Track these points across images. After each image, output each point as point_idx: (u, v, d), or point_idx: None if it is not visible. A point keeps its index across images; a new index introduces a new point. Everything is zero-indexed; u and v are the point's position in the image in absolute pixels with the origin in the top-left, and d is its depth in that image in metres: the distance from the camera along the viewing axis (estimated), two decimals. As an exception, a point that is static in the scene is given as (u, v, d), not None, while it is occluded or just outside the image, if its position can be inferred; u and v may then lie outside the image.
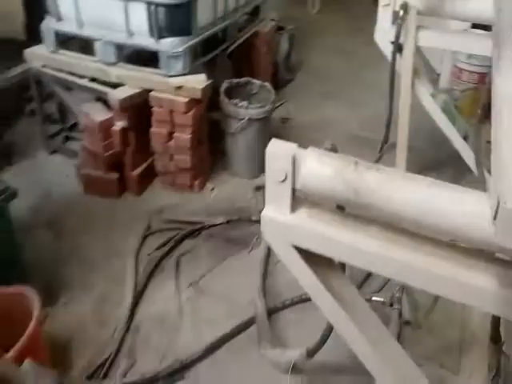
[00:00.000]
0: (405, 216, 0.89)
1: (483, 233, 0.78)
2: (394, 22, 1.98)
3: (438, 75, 3.42)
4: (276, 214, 1.03)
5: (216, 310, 1.80)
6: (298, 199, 1.00)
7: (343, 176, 0.92)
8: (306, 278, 1.01)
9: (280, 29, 3.17)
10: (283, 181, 0.93)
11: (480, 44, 1.99)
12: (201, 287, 1.90)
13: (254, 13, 2.84)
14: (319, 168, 0.93)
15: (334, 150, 0.95)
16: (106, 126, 2.09)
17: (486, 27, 2.16)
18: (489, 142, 2.40)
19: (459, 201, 0.83)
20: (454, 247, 0.91)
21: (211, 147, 2.44)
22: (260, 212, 2.27)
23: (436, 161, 2.61)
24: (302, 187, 0.94)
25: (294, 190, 0.95)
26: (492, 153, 0.80)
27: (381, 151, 2.59)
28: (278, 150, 0.95)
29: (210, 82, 2.12)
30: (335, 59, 3.79)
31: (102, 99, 2.16)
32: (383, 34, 2.05)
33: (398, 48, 2.04)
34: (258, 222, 2.27)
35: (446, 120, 2.28)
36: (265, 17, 2.93)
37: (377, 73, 3.28)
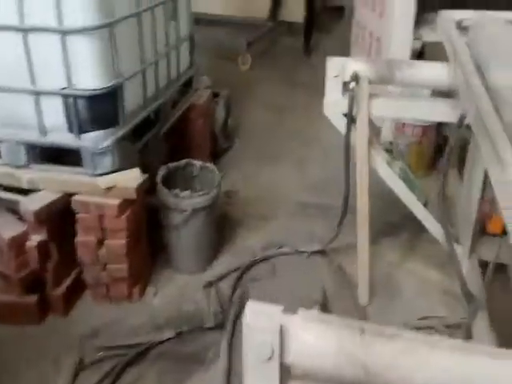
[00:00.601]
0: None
1: None
2: (344, 94, 1.87)
3: (380, 129, 3.39)
4: (261, 400, 0.76)
5: None
6: (287, 371, 0.76)
7: (347, 351, 0.71)
8: None
9: (215, 95, 2.99)
10: (269, 358, 0.73)
11: (435, 110, 1.93)
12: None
13: (187, 83, 2.63)
14: (315, 342, 0.73)
15: (324, 306, 0.75)
16: (18, 243, 1.73)
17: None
18: (440, 194, 2.24)
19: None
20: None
21: (150, 240, 2.14)
22: (214, 315, 1.89)
23: (389, 224, 2.49)
24: (294, 365, 0.74)
25: (282, 366, 0.75)
26: None
27: (340, 225, 2.42)
28: (259, 321, 0.74)
29: (146, 176, 1.84)
30: (273, 117, 3.67)
31: (13, 208, 1.80)
32: (334, 106, 1.93)
33: (350, 118, 1.93)
34: (213, 328, 1.96)
35: (404, 188, 2.18)
36: (198, 86, 2.73)
37: (317, 127, 3.19)
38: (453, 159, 2.73)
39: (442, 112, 1.90)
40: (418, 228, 2.24)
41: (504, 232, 1.86)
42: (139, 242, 1.97)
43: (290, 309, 0.77)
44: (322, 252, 2.32)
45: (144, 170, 1.90)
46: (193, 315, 1.94)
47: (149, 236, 2.11)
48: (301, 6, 4.81)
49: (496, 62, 1.52)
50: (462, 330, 1.88)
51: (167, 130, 2.36)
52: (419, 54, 2.82)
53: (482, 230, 2.10)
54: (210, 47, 4.16)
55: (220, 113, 3.02)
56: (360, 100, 1.80)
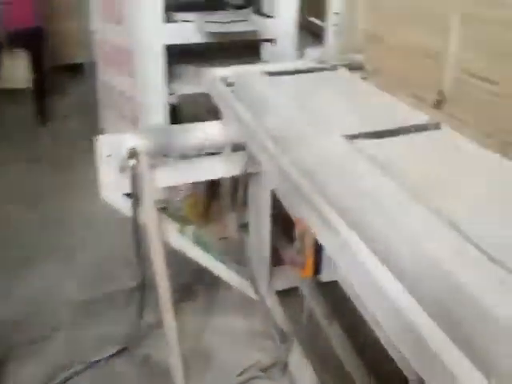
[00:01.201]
0: None
1: None
2: (122, 172, 1.71)
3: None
4: None
5: None
6: None
7: None
8: None
9: None
10: None
11: (217, 167, 1.97)
12: None
13: None
14: None
15: None
16: None
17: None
18: (222, 239, 2.44)
19: None
20: None
21: None
22: None
23: (183, 286, 2.42)
24: None
25: None
26: None
27: (140, 312, 2.18)
28: None
29: None
30: (18, 207, 3.07)
31: None
32: (113, 189, 1.78)
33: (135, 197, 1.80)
34: None
35: (200, 252, 2.21)
36: None
37: (77, 206, 2.97)
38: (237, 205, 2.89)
39: (223, 167, 1.96)
40: (213, 280, 2.28)
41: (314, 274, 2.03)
42: None
43: None
44: (124, 350, 2.08)
45: None
46: None
47: None
48: (23, 70, 4.35)
49: (266, 111, 1.61)
50: (279, 368, 1.97)
51: None
52: (174, 108, 2.85)
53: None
54: None
55: None
56: (143, 177, 1.70)
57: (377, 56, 2.14)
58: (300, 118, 1.54)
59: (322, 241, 1.21)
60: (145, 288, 1.97)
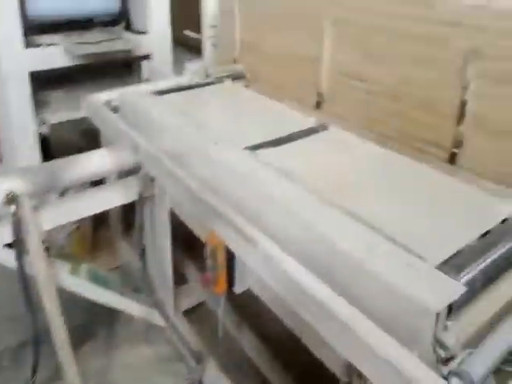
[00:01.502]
0: None
1: None
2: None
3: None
4: None
5: None
6: None
7: None
8: None
9: None
10: None
11: (112, 195, 1.88)
12: None
13: None
14: None
15: None
16: None
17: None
18: (114, 269, 2.32)
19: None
20: None
21: None
22: None
23: (84, 329, 2.30)
24: None
25: None
26: None
27: (34, 373, 2.00)
28: None
29: None
30: None
31: None
32: None
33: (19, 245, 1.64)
34: None
35: (97, 289, 2.10)
36: None
37: None
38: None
39: (115, 196, 1.88)
40: (113, 314, 2.22)
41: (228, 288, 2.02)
42: None
43: None
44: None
45: None
46: None
47: None
48: None
49: (159, 132, 1.58)
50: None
51: None
52: (44, 138, 2.68)
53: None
54: None
55: None
56: (26, 222, 1.55)
57: (255, 65, 2.20)
58: (196, 134, 1.54)
59: (237, 252, 1.23)
60: (39, 340, 1.81)
